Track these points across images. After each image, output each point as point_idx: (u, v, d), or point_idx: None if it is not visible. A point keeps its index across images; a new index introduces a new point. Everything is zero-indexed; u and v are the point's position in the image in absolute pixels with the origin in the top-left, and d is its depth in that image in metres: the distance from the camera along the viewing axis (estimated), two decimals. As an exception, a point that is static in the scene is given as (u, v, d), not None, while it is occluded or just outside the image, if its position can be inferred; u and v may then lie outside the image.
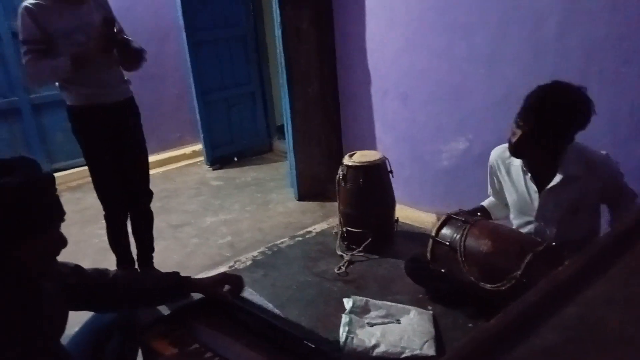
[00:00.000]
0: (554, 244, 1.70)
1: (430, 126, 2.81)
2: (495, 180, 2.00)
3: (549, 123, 1.62)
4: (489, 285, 1.77)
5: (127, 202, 2.36)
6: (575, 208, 1.75)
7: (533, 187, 1.80)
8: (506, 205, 2.02)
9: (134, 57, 2.15)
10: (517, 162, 1.84)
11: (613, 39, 1.98)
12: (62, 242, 1.08)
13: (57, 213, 1.04)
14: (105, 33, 1.98)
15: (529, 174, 1.80)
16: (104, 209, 2.31)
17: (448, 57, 2.59)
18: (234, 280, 1.56)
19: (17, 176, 0.96)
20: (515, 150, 1.74)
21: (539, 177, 1.79)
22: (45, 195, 1.01)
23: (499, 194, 2.03)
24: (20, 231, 0.98)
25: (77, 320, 1.45)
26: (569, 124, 1.63)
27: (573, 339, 0.65)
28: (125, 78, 2.25)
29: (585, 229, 1.80)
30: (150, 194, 2.43)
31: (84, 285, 1.33)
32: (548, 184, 1.76)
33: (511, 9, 2.27)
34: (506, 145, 1.91)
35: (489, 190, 2.09)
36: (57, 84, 2.13)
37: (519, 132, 1.68)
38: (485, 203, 2.15)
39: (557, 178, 1.72)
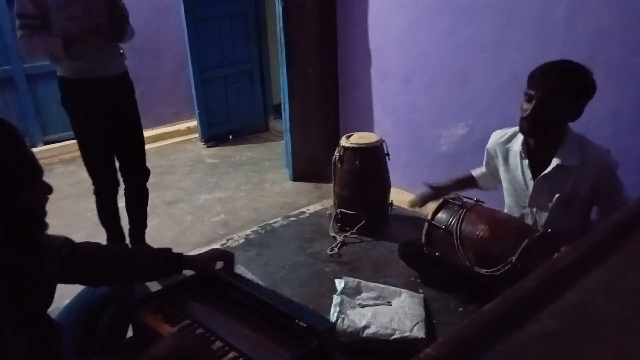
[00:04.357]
0: (550, 230, 1.69)
1: (430, 110, 2.78)
2: (492, 164, 1.99)
3: (561, 84, 1.58)
4: (483, 270, 1.77)
5: (123, 179, 2.33)
6: (567, 201, 1.74)
7: (529, 174, 1.79)
8: (497, 181, 2.01)
9: (122, 26, 2.10)
10: (515, 148, 1.82)
11: (621, 28, 1.95)
12: (49, 189, 1.08)
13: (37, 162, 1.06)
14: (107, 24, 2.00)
15: (527, 160, 1.78)
16: (93, 184, 2.28)
17: (452, 40, 2.54)
18: (225, 257, 1.55)
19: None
20: (530, 121, 1.64)
21: (536, 164, 1.77)
22: (25, 146, 1.03)
23: (493, 173, 2.02)
24: (17, 183, 0.99)
25: (68, 293, 1.44)
26: (579, 87, 1.60)
27: (571, 327, 0.64)
28: (121, 52, 2.20)
29: (576, 224, 1.78)
30: (146, 172, 2.38)
31: (76, 258, 1.31)
32: (544, 171, 1.74)
33: (518, -7, 2.22)
34: (505, 130, 1.88)
35: (484, 164, 2.06)
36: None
37: (530, 104, 1.62)
38: (475, 172, 2.12)
39: (552, 165, 1.71)
